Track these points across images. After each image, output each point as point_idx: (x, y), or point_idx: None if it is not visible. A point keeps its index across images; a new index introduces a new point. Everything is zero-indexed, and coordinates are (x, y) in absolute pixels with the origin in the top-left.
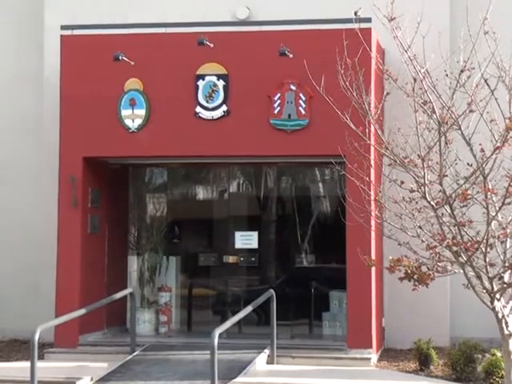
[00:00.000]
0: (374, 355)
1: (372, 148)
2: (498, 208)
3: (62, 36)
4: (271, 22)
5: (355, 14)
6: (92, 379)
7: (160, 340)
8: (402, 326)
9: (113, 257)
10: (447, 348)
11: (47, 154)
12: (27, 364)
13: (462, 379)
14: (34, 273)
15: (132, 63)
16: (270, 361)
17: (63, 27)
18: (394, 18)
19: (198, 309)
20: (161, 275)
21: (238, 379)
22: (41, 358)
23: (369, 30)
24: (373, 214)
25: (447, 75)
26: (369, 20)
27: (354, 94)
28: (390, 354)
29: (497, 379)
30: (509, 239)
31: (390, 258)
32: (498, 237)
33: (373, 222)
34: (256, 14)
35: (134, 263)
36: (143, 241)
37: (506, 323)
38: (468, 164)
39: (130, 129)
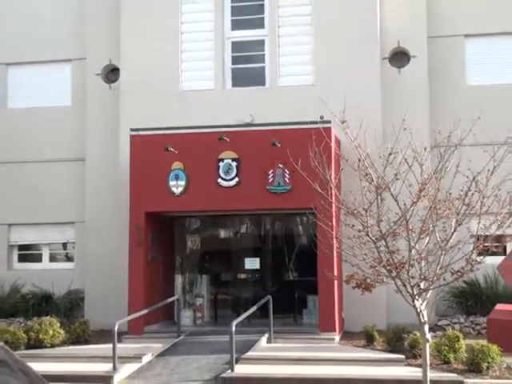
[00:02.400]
0: (337, 336)
1: (333, 204)
2: (415, 241)
3: (131, 135)
4: (266, 124)
5: (320, 118)
6: (152, 355)
7: (197, 329)
8: (355, 317)
9: (165, 275)
10: (385, 330)
11: (122, 212)
12: (110, 345)
13: (394, 351)
14: (114, 288)
15: (177, 152)
16: (269, 341)
17: (132, 129)
18: (345, 121)
19: (222, 308)
20: (197, 287)
21: (249, 353)
22: (119, 341)
23: (329, 128)
24: (334, 246)
25: (380, 157)
26: (329, 122)
27: (320, 170)
28: (347, 335)
29: (417, 351)
30: (423, 261)
31: (346, 274)
32: (416, 259)
33: (335, 251)
34: (256, 119)
35: (179, 279)
36: (185, 265)
37: (422, 315)
38: (396, 213)
39: (174, 193)
